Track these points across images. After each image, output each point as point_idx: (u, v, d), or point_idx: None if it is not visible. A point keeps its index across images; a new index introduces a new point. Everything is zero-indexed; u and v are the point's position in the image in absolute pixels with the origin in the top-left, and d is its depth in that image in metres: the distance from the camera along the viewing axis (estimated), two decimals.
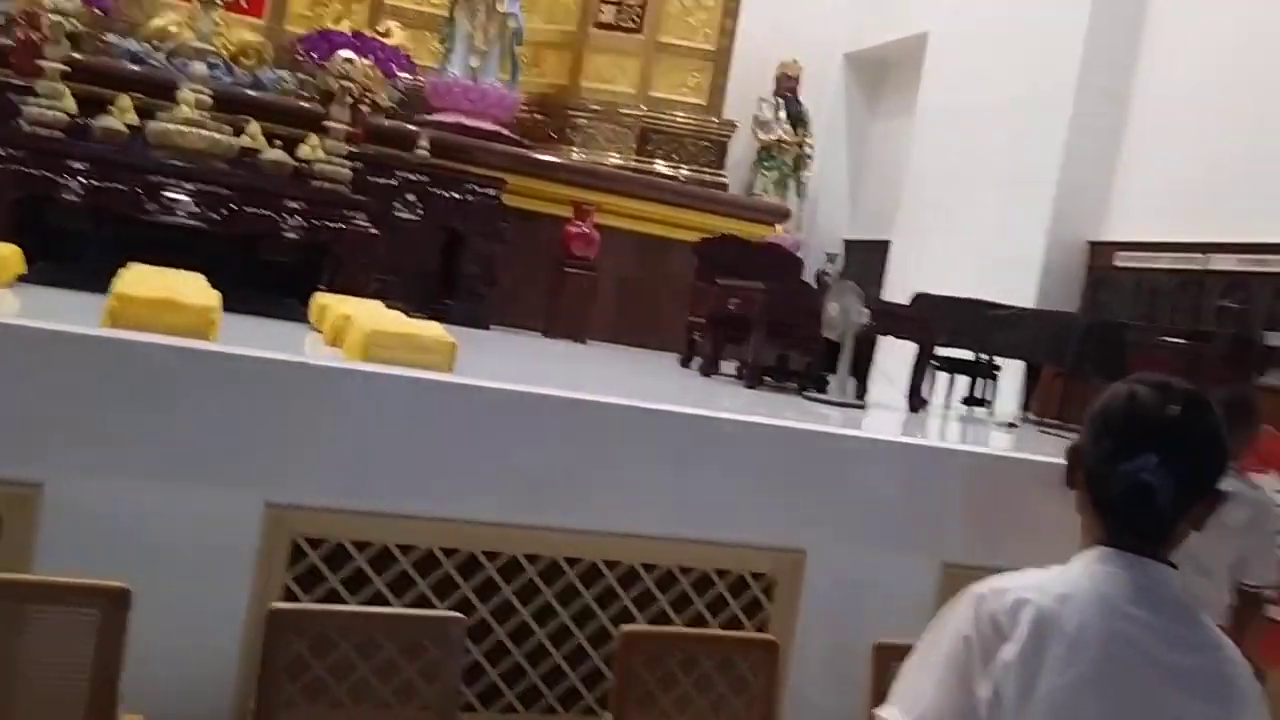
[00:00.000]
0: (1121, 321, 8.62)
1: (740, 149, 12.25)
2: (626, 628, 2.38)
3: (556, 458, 3.46)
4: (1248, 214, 8.69)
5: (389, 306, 5.85)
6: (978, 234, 10.76)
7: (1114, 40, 10.23)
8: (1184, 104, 9.58)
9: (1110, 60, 10.23)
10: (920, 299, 8.96)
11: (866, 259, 13.10)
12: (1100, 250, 10.18)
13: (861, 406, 7.34)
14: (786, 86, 12.88)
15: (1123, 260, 9.94)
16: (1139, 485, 1.47)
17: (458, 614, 2.56)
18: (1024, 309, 8.78)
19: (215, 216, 6.36)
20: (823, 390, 7.97)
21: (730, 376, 7.94)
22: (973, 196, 10.94)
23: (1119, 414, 1.55)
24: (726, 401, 6.94)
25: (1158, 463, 1.47)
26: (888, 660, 2.59)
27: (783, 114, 12.77)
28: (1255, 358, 7.93)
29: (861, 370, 7.79)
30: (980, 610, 1.50)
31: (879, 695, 2.58)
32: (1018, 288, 9.96)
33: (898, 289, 11.08)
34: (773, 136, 12.67)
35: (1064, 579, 1.52)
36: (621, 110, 10.77)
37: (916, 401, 7.83)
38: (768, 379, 7.84)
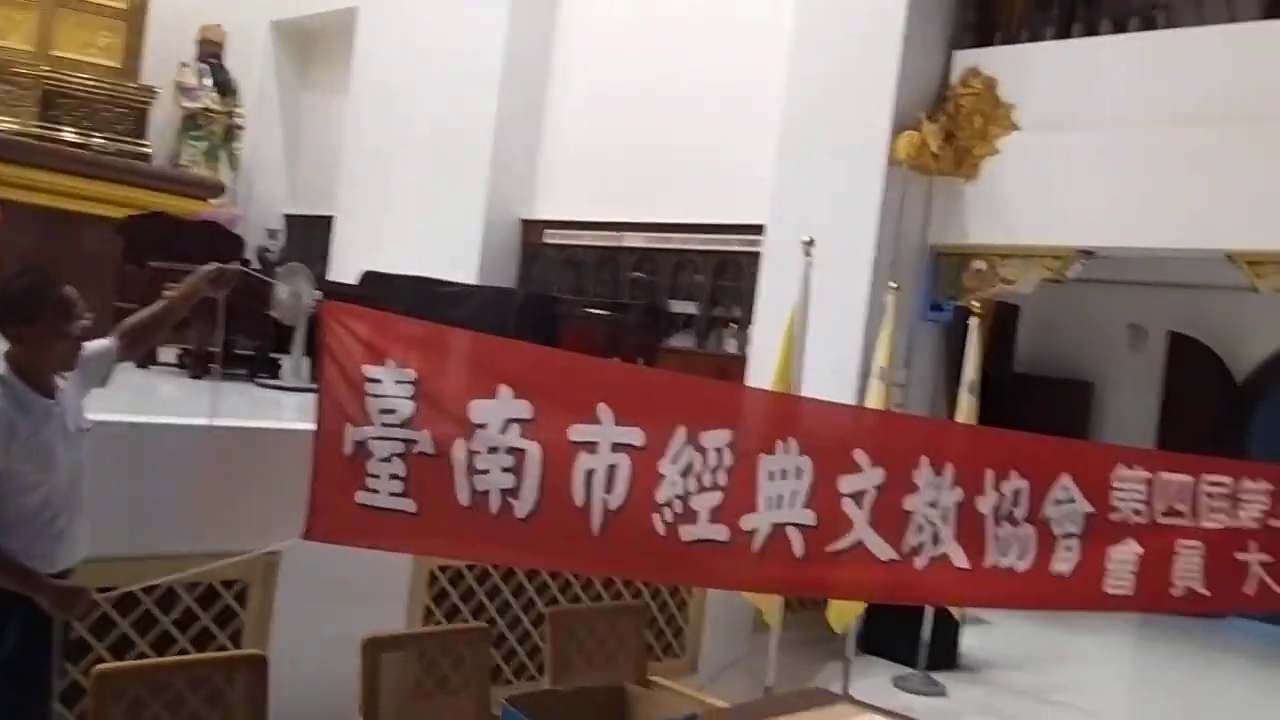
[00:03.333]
0: (553, 295, 9.38)
1: (163, 117, 11.36)
2: (98, 668, 2.18)
3: None
4: (652, 197, 9.87)
5: None
6: (419, 211, 11.04)
7: (532, 29, 10.99)
8: (594, 94, 10.58)
9: (530, 48, 10.97)
10: (369, 277, 9.03)
11: (308, 235, 12.85)
12: (531, 228, 10.95)
13: (317, 390, 7.25)
14: (210, 52, 12.14)
15: (551, 237, 10.79)
16: None
17: None
18: (469, 285, 9.21)
19: None
20: (275, 375, 7.75)
21: (171, 366, 7.43)
22: (411, 174, 11.17)
23: None
24: (169, 394, 6.47)
25: None
26: (378, 653, 2.64)
27: (208, 81, 12.03)
28: (662, 323, 9.07)
29: (315, 352, 7.69)
30: None
31: (370, 689, 2.64)
32: (461, 263, 10.42)
33: (344, 266, 11.05)
34: (198, 104, 11.90)
35: None
36: (18, 69, 9.47)
37: None
38: (213, 366, 7.44)
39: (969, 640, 6.25)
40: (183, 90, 11.81)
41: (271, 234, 12.16)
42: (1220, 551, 4.42)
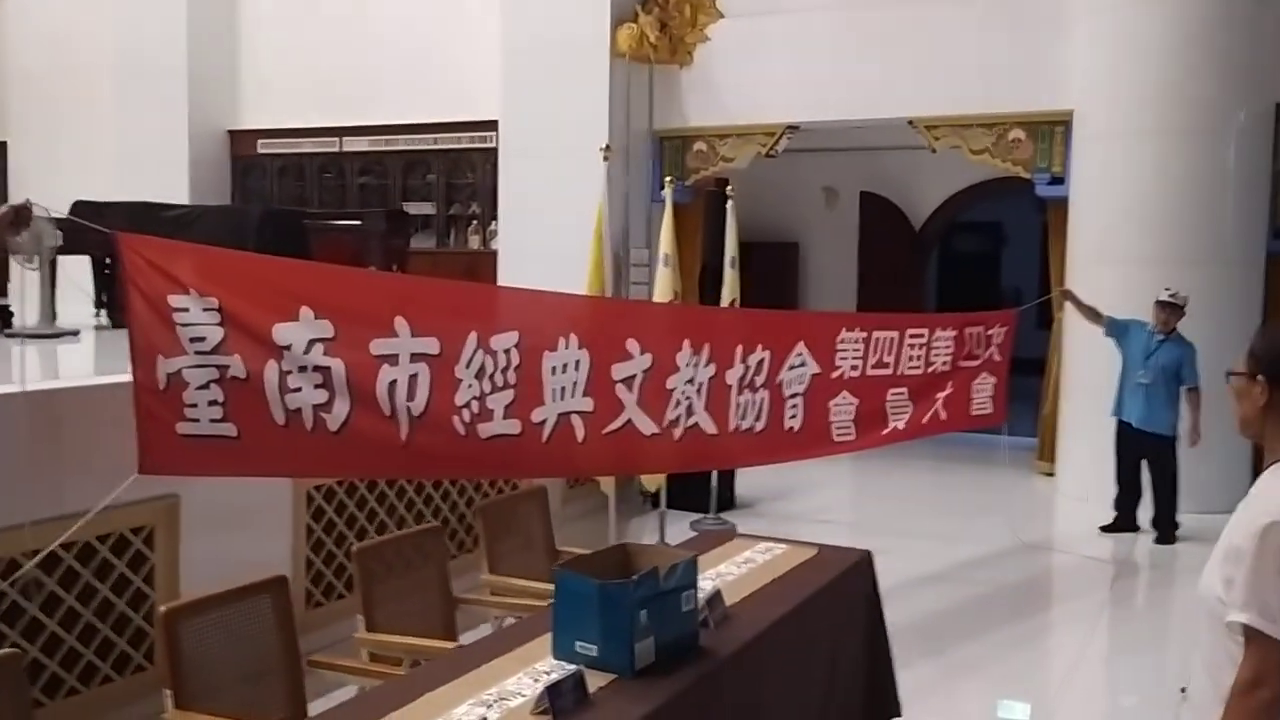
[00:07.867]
0: (300, 210, 9.20)
1: None
2: (164, 608, 2.35)
3: None
4: (373, 99, 9.79)
5: None
6: (110, 131, 10.30)
7: None
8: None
9: None
10: (81, 207, 8.45)
11: None
12: (241, 139, 10.53)
13: (75, 334, 6.89)
14: None
15: (265, 147, 10.44)
16: None
17: None
18: (196, 206, 8.85)
19: None
20: (9, 323, 7.28)
21: None
22: (97, 92, 10.37)
23: None
24: None
25: None
26: (367, 561, 2.88)
27: None
28: (408, 227, 9.18)
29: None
30: None
31: (367, 591, 2.93)
32: (168, 183, 9.90)
33: (23, 194, 10.13)
34: None
35: None
36: None
37: (119, 316, 7.57)
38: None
39: (738, 481, 7.15)
40: None
41: None
42: (921, 395, 5.24)
